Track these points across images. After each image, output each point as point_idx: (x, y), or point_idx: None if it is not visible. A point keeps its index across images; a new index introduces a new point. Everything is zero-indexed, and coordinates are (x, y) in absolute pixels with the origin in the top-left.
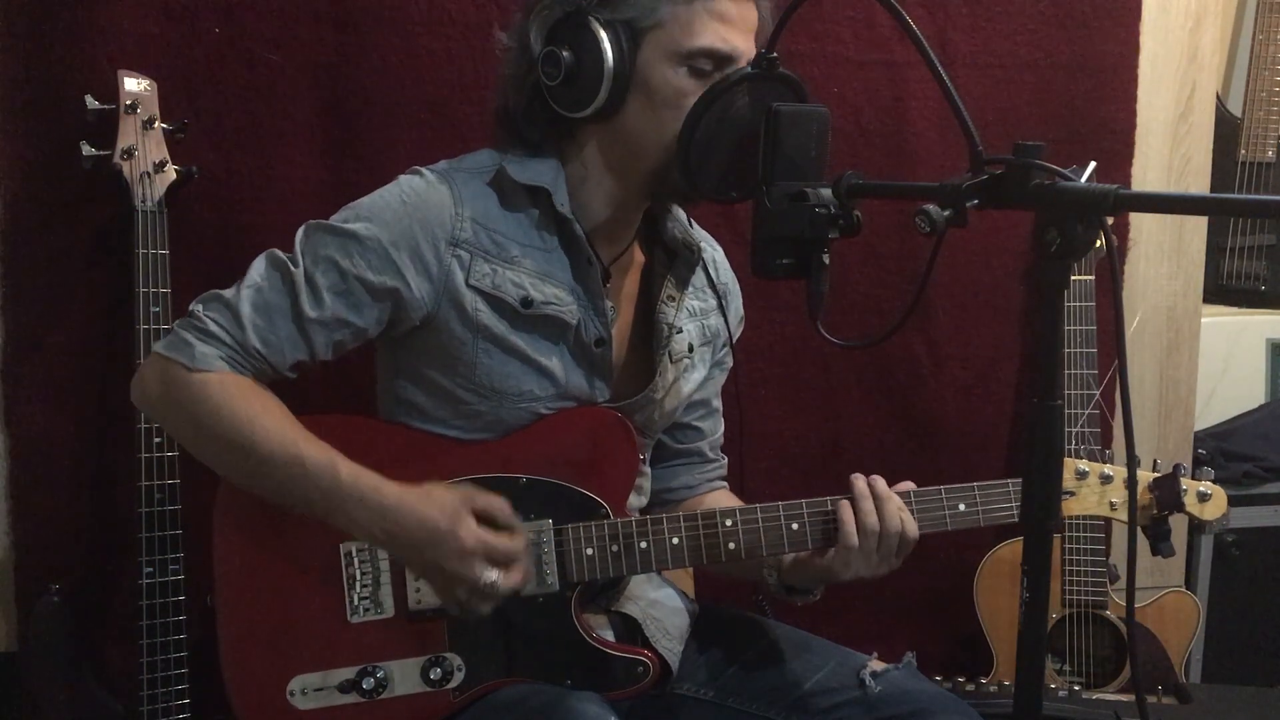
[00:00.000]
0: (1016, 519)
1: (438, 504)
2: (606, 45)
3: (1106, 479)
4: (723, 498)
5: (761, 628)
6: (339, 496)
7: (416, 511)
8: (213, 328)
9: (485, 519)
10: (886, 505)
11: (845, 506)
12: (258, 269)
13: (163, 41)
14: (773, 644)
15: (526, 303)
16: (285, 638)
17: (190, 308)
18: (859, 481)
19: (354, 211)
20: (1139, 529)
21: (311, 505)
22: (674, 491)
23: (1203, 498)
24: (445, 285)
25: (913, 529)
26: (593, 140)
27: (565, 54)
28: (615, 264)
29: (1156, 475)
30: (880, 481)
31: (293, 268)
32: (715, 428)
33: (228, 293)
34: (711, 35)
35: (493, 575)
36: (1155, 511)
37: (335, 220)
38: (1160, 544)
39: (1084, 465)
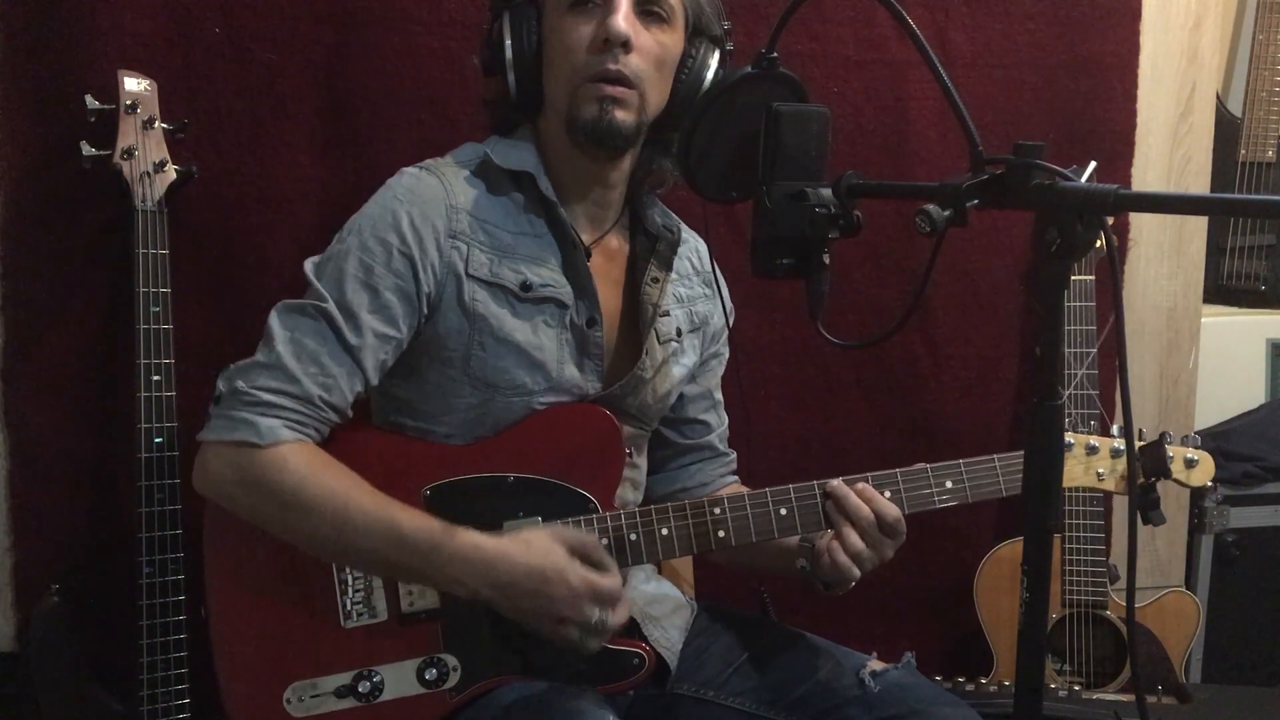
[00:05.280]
0: (1004, 494)
1: (539, 550)
2: (506, 35)
3: (1092, 449)
4: (737, 489)
5: (761, 627)
6: (439, 558)
7: (521, 561)
8: (268, 397)
9: (581, 557)
10: (849, 502)
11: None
12: (278, 324)
13: (163, 41)
14: (773, 644)
15: (525, 286)
16: (279, 645)
17: (231, 386)
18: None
19: (356, 226)
20: (1127, 499)
21: (407, 571)
22: (690, 491)
23: (1189, 464)
24: (447, 276)
25: (890, 511)
26: (545, 117)
27: (487, 51)
28: (597, 245)
29: (1142, 444)
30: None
31: (322, 304)
32: (721, 420)
33: (261, 358)
34: None
35: (604, 614)
36: (1141, 479)
37: (343, 245)
38: (1150, 513)
39: (1069, 436)
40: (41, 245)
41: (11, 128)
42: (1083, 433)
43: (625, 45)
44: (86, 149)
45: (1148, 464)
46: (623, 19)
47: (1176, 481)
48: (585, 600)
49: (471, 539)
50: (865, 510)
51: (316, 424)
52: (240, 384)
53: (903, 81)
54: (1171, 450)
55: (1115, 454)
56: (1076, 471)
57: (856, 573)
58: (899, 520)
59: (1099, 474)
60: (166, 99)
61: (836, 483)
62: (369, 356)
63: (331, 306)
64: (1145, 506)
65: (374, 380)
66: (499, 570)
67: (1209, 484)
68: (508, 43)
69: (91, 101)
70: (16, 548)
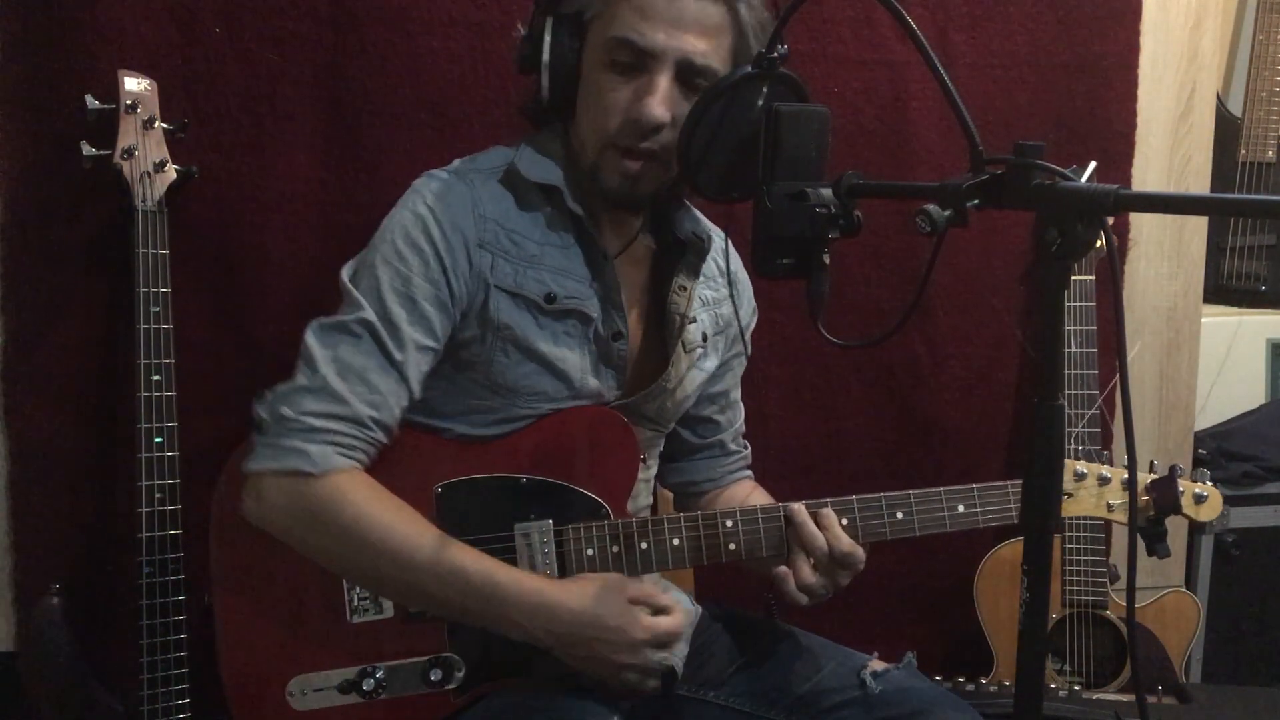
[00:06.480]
0: (1015, 520)
1: (602, 600)
2: (546, 39)
3: (1104, 480)
4: (748, 489)
5: (762, 628)
6: (499, 601)
7: (582, 610)
8: (317, 422)
9: (640, 603)
10: (805, 530)
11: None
12: (317, 343)
13: (163, 41)
14: (773, 644)
15: (550, 299)
16: (284, 638)
17: (276, 413)
18: (793, 505)
19: (389, 234)
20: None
21: (465, 612)
22: (698, 485)
23: (1199, 499)
24: (475, 284)
25: (841, 545)
26: (574, 132)
27: (527, 48)
28: (623, 255)
29: (1154, 477)
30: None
31: (363, 317)
32: (735, 419)
33: (303, 381)
34: (625, 26)
35: (665, 655)
36: (1152, 513)
37: (376, 254)
38: (1156, 545)
39: (1082, 467)
40: (41, 245)
41: (11, 128)
42: (1095, 463)
43: (658, 129)
44: (86, 149)
45: (1159, 499)
46: (659, 102)
47: (1186, 516)
48: (648, 648)
49: (534, 584)
50: (820, 539)
51: (366, 446)
52: (285, 410)
53: (903, 81)
54: (1182, 484)
55: (1127, 486)
56: (1088, 503)
57: (804, 601)
58: (852, 553)
59: (1109, 505)
60: (166, 99)
61: (798, 507)
62: (413, 369)
63: (373, 318)
64: (1152, 539)
65: (418, 394)
66: (559, 618)
67: (1222, 518)
68: (546, 47)
69: (91, 101)
70: (16, 548)
